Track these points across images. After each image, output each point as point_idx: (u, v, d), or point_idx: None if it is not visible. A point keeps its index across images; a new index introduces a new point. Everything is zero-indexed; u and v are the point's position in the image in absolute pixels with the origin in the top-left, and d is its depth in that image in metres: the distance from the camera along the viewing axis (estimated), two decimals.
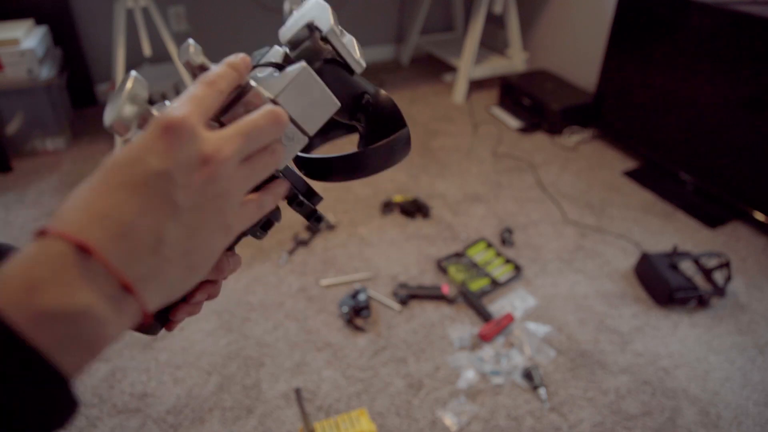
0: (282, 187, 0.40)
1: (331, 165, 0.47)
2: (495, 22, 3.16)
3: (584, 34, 2.81)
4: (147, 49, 2.21)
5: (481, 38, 2.92)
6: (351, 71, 0.46)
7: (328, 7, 0.45)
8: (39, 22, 2.44)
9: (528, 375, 1.42)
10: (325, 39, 0.44)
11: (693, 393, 1.41)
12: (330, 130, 0.52)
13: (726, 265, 1.69)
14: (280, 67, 0.41)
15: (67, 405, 0.26)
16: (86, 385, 1.39)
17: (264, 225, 0.47)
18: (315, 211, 0.47)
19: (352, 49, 0.45)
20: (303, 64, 0.40)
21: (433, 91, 3.11)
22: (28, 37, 2.24)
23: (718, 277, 1.76)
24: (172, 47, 2.28)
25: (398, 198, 2.09)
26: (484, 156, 2.49)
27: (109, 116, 0.35)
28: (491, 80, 3.12)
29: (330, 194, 2.16)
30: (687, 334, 1.59)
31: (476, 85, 3.10)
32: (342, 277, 1.74)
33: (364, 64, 0.45)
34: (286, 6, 0.48)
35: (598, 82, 2.54)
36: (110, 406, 1.34)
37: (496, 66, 3.03)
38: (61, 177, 2.26)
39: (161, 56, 2.65)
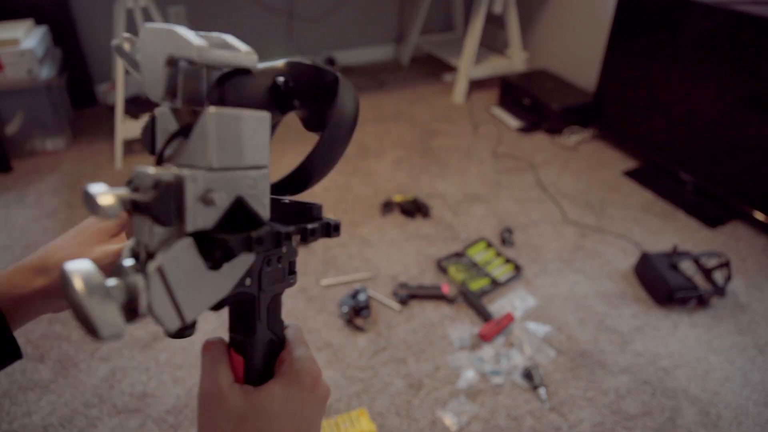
0: None
1: (301, 175, 0.41)
2: (495, 22, 3.16)
3: (584, 34, 2.81)
4: None
5: (481, 38, 2.92)
6: (247, 70, 0.38)
7: (175, 29, 0.35)
8: (39, 22, 2.44)
9: (528, 375, 1.42)
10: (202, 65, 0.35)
11: (693, 393, 1.41)
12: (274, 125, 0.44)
13: (726, 264, 1.69)
14: (184, 132, 0.34)
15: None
16: (86, 384, 1.39)
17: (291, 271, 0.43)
18: (328, 225, 0.41)
19: (230, 49, 0.36)
20: (210, 110, 0.33)
21: (433, 91, 3.11)
22: (27, 37, 2.24)
23: (718, 276, 1.75)
24: None
25: (398, 198, 2.09)
26: (484, 156, 2.49)
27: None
28: (491, 80, 3.12)
29: (330, 194, 2.16)
30: (687, 334, 1.59)
31: (476, 85, 3.10)
32: (342, 277, 1.74)
33: (253, 53, 0.37)
34: (119, 44, 0.39)
35: (598, 81, 2.54)
36: (110, 406, 1.34)
37: (496, 66, 3.03)
38: (61, 177, 2.26)
39: None
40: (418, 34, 3.32)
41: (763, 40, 1.82)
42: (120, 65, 2.22)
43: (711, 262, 1.78)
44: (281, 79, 0.40)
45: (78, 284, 0.28)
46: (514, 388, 1.41)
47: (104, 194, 0.29)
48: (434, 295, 1.66)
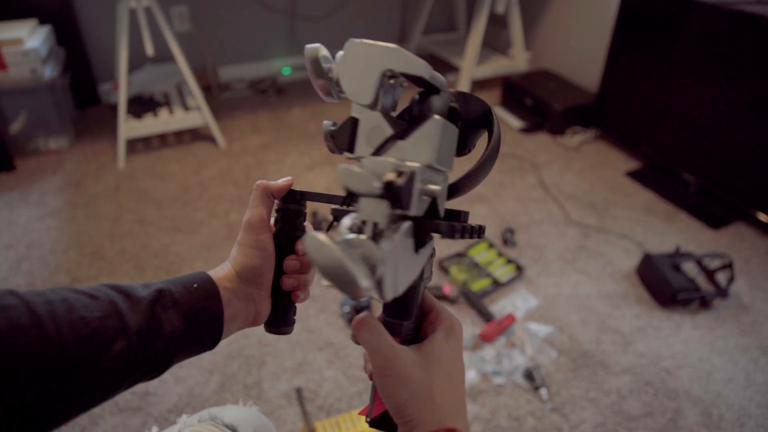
0: None
1: (454, 188, 0.48)
2: (497, 22, 3.15)
3: (587, 34, 2.81)
4: (150, 49, 2.22)
5: (483, 38, 2.91)
6: (437, 90, 0.45)
7: (401, 49, 0.41)
8: (42, 21, 2.45)
9: (529, 375, 1.42)
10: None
11: (695, 394, 1.41)
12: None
13: (729, 266, 1.68)
14: (401, 134, 0.42)
15: None
16: None
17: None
18: (472, 230, 0.46)
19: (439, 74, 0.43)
20: (436, 118, 0.41)
21: None
22: (31, 36, 2.25)
23: (721, 278, 1.75)
24: (174, 47, 2.28)
25: None
26: None
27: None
28: (494, 80, 3.12)
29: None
30: (689, 335, 1.58)
31: (479, 85, 3.10)
32: None
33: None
34: (315, 54, 0.43)
35: (600, 82, 2.54)
36: (112, 405, 1.34)
37: (498, 66, 3.03)
38: (64, 176, 2.27)
39: (164, 56, 2.66)
40: (420, 34, 3.32)
41: (767, 40, 1.82)
42: (123, 65, 2.22)
43: (714, 264, 1.78)
44: (455, 104, 0.47)
45: (330, 242, 0.31)
46: (515, 388, 1.41)
47: (369, 176, 0.35)
48: (436, 296, 1.66)
